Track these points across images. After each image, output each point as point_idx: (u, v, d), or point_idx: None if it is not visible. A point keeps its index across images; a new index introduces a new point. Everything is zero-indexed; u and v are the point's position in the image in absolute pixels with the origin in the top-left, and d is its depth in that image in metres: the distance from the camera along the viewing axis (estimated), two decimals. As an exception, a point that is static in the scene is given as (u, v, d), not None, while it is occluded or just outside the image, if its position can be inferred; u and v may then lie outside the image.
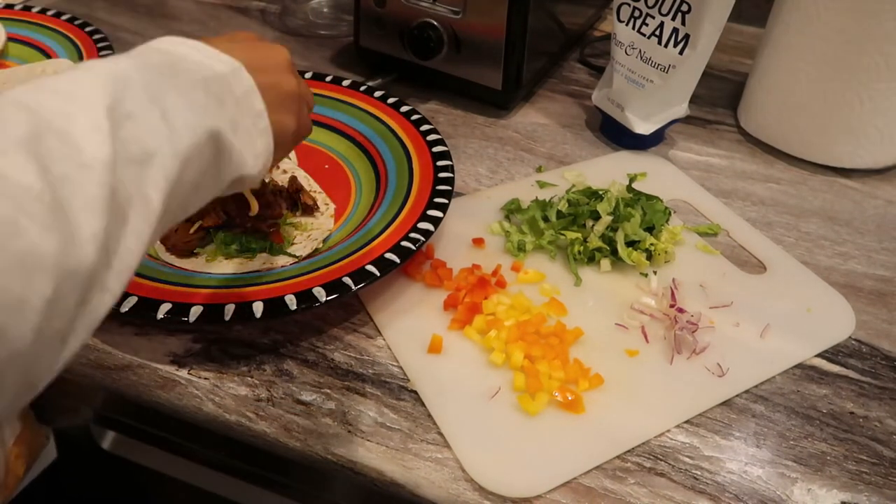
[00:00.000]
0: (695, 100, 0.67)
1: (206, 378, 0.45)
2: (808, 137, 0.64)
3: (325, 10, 0.86)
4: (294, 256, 0.50)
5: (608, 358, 0.46)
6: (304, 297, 0.44)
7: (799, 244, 0.57)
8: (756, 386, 0.46)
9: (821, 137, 0.63)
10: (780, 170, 0.65)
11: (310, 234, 0.53)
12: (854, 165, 0.63)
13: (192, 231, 0.50)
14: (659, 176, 0.62)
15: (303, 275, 0.47)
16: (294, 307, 0.43)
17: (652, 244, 0.53)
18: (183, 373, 0.45)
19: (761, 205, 0.60)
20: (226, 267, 0.50)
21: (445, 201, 0.52)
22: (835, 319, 0.50)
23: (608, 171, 0.62)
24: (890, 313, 0.51)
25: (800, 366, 0.47)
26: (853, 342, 0.49)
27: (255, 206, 0.50)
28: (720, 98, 0.74)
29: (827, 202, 0.61)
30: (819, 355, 0.48)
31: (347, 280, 0.45)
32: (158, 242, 0.51)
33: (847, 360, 0.48)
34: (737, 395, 0.45)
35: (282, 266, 0.49)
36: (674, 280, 0.51)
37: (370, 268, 0.46)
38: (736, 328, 0.49)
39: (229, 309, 0.43)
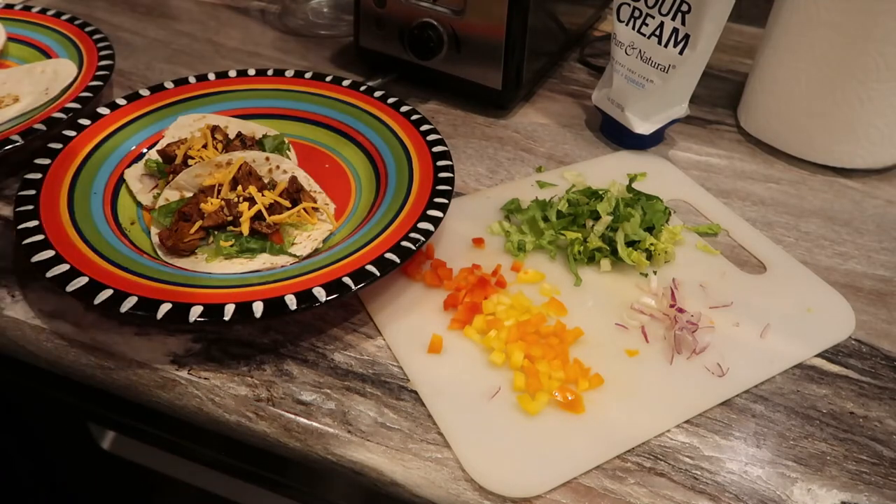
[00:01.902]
0: (695, 100, 0.67)
1: (206, 378, 0.45)
2: (807, 137, 0.64)
3: (325, 10, 0.86)
4: (295, 256, 0.50)
5: (608, 358, 0.46)
6: (304, 297, 0.44)
7: (799, 244, 0.57)
8: (756, 386, 0.46)
9: (821, 137, 0.63)
10: (780, 170, 0.65)
11: (310, 235, 0.53)
12: (854, 165, 0.63)
13: (192, 231, 0.50)
14: (659, 176, 0.62)
15: (303, 275, 0.47)
16: (294, 307, 0.43)
17: (652, 244, 0.53)
18: (183, 373, 0.45)
19: (761, 205, 0.60)
20: (226, 267, 0.50)
21: (445, 201, 0.52)
22: (835, 319, 0.50)
23: (608, 171, 0.62)
24: (890, 313, 0.51)
25: (800, 366, 0.47)
26: (853, 342, 0.49)
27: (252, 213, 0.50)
28: (720, 98, 0.74)
29: (827, 202, 0.61)
30: (819, 355, 0.48)
31: (347, 280, 0.45)
32: (158, 242, 0.51)
33: (847, 360, 0.48)
34: (737, 395, 0.45)
35: (282, 266, 0.49)
36: (674, 280, 0.51)
37: (370, 268, 0.46)
38: (736, 328, 0.49)
39: (229, 309, 0.43)
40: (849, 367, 0.47)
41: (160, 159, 0.57)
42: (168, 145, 0.56)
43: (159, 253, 0.50)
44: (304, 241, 0.52)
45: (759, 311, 0.50)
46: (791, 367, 0.47)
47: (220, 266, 0.49)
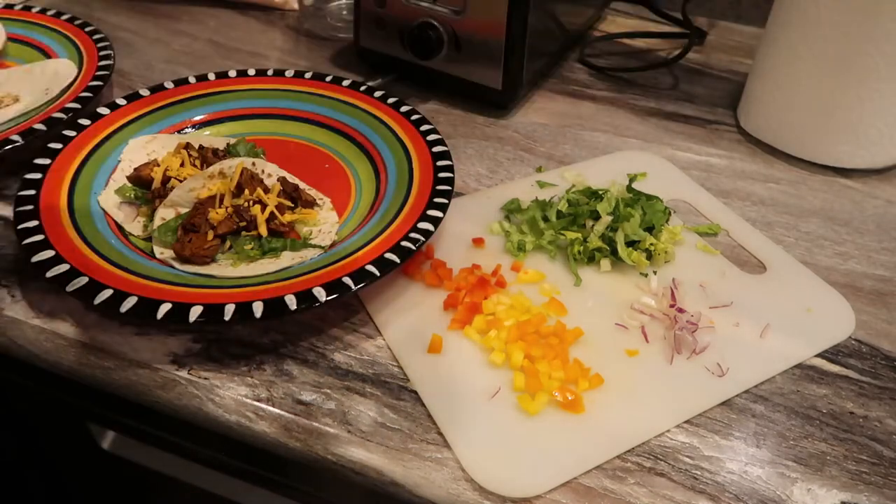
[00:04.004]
0: (695, 100, 0.67)
1: (206, 378, 0.45)
2: (807, 137, 0.64)
3: (345, 12, 0.85)
4: (320, 247, 0.51)
5: (608, 358, 0.46)
6: (304, 297, 0.44)
7: (799, 244, 0.57)
8: (756, 386, 0.46)
9: (820, 137, 0.63)
10: (780, 170, 0.65)
11: (321, 229, 0.53)
12: (854, 165, 0.63)
13: (209, 239, 0.50)
14: (659, 176, 0.62)
15: (303, 275, 0.47)
16: (294, 307, 0.43)
17: (652, 244, 0.53)
18: (183, 373, 0.45)
19: (761, 205, 0.60)
20: (255, 269, 0.49)
21: (445, 201, 0.52)
22: (835, 319, 0.50)
23: (608, 171, 0.62)
24: (890, 313, 0.51)
25: (800, 366, 0.47)
26: (853, 342, 0.49)
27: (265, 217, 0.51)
28: (720, 98, 0.74)
29: (827, 202, 0.61)
30: (819, 355, 0.48)
31: (347, 280, 0.45)
32: (172, 255, 0.50)
33: (847, 360, 0.48)
34: (737, 395, 0.45)
35: (311, 258, 0.50)
36: (674, 280, 0.51)
37: (370, 268, 0.46)
38: (736, 328, 0.49)
39: (229, 309, 0.43)
40: (849, 367, 0.47)
41: (132, 185, 0.55)
42: (139, 169, 0.55)
43: (176, 266, 0.49)
44: (317, 234, 0.52)
45: (759, 311, 0.50)
46: (791, 367, 0.47)
47: (249, 269, 0.49)
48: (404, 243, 0.48)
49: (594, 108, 0.68)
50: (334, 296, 0.44)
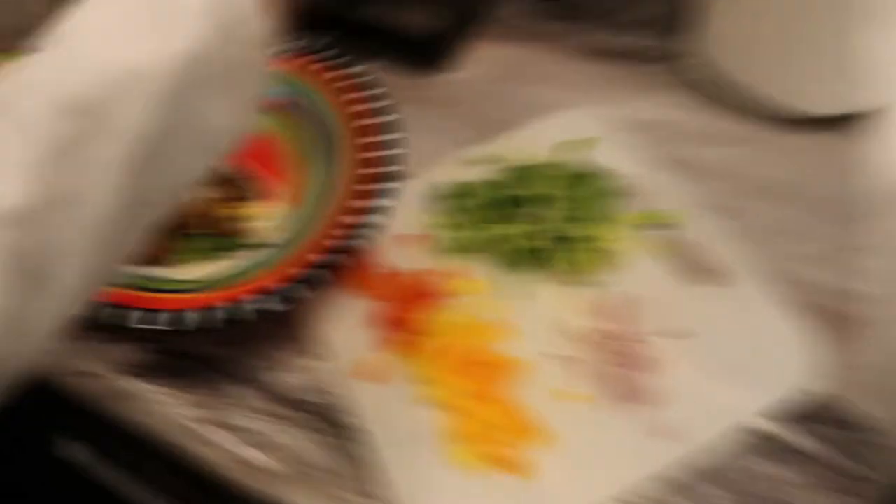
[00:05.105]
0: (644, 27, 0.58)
1: (150, 391, 0.45)
2: (777, 73, 0.54)
3: None
4: (263, 245, 0.50)
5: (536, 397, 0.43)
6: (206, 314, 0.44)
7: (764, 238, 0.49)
8: (701, 448, 0.40)
9: (790, 79, 0.54)
10: (746, 129, 0.54)
11: (262, 224, 0.52)
12: (829, 112, 0.53)
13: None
14: (605, 146, 0.54)
15: (232, 287, 0.46)
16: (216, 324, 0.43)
17: (596, 241, 0.48)
18: (125, 382, 0.46)
19: (720, 180, 0.51)
20: (212, 268, 0.49)
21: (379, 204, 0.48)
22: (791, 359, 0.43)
23: (545, 140, 0.54)
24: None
25: (750, 428, 0.41)
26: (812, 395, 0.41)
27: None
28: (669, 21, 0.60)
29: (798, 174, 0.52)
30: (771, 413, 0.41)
31: (271, 300, 0.44)
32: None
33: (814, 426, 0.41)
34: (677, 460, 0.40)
35: (255, 259, 0.49)
36: (615, 295, 0.47)
37: (298, 286, 0.45)
38: (688, 364, 0.43)
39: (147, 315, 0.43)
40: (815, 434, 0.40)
41: None
42: None
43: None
44: (258, 230, 0.51)
45: (715, 345, 0.44)
46: (742, 427, 0.41)
47: (202, 269, 0.49)
48: (330, 257, 0.46)
49: (536, 59, 0.59)
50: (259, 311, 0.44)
